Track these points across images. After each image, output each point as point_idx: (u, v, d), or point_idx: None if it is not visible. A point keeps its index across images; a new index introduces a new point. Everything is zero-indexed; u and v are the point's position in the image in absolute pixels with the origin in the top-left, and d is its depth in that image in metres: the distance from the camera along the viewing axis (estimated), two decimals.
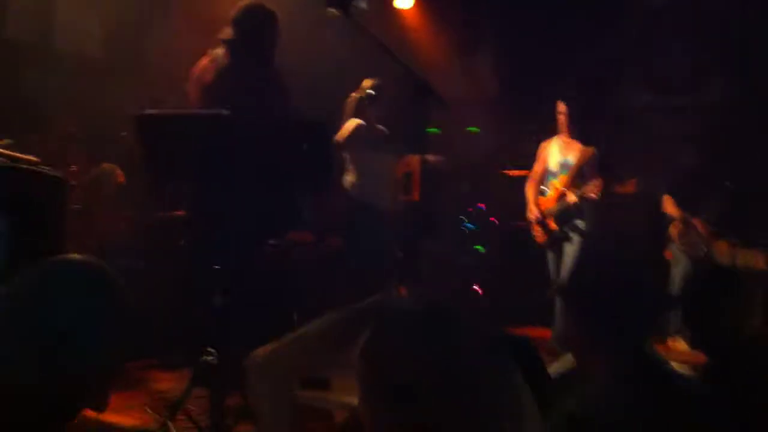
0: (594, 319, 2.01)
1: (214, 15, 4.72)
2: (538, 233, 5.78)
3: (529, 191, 5.87)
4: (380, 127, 5.47)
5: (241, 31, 4.13)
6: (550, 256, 5.79)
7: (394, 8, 7.73)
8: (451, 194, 7.12)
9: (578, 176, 5.67)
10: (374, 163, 5.32)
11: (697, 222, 6.29)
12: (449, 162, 6.56)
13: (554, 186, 5.75)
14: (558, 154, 5.81)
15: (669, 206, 6.47)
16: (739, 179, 6.21)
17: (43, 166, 3.70)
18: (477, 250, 7.21)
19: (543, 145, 5.94)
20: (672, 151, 6.97)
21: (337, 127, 5.35)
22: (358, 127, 5.31)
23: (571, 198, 5.60)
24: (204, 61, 4.22)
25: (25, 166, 3.05)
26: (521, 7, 7.90)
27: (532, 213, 5.79)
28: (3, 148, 3.46)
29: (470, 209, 7.26)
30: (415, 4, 7.80)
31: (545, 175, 5.84)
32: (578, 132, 5.79)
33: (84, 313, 1.43)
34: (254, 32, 4.16)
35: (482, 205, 7.18)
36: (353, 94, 5.44)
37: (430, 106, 3.82)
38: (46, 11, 6.14)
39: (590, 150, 5.72)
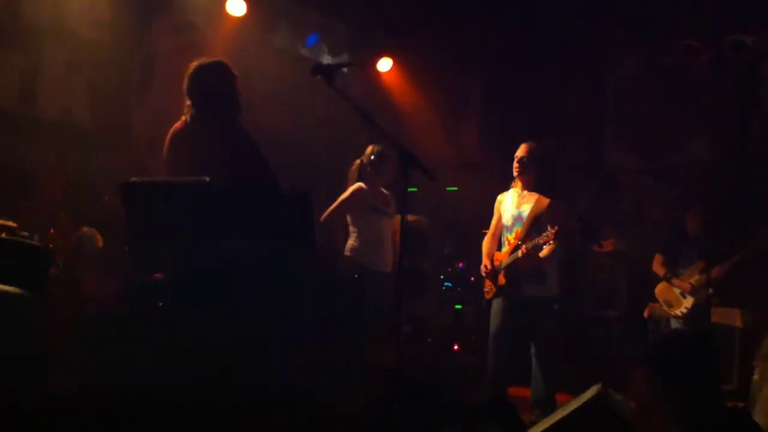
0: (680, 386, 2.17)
1: None
2: (487, 287, 5.47)
3: (485, 245, 5.57)
4: (384, 191, 5.68)
5: (195, 90, 4.14)
6: (494, 305, 5.39)
7: (376, 71, 7.90)
8: (433, 254, 7.19)
9: (534, 229, 5.28)
10: (374, 226, 5.52)
11: (678, 282, 6.41)
12: (428, 222, 6.66)
13: (508, 240, 5.42)
14: (512, 206, 5.48)
15: (656, 266, 6.59)
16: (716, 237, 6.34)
17: (21, 232, 3.73)
18: (456, 309, 7.24)
19: (498, 198, 5.63)
20: (661, 211, 7.12)
21: (340, 192, 5.57)
22: (358, 191, 5.51)
23: (521, 252, 5.19)
24: (177, 125, 4.25)
25: (5, 237, 3.07)
26: (503, 68, 8.10)
27: (483, 267, 5.47)
28: None
29: (449, 269, 7.31)
30: (393, 67, 7.98)
31: (501, 230, 5.54)
32: (533, 183, 5.40)
33: None
34: (209, 89, 4.15)
35: (461, 264, 7.24)
36: (357, 160, 5.65)
37: (416, 169, 3.92)
38: (30, 79, 6.21)
39: (546, 201, 5.30)
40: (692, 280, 6.34)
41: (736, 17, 6.83)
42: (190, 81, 4.25)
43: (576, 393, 3.64)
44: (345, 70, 5.09)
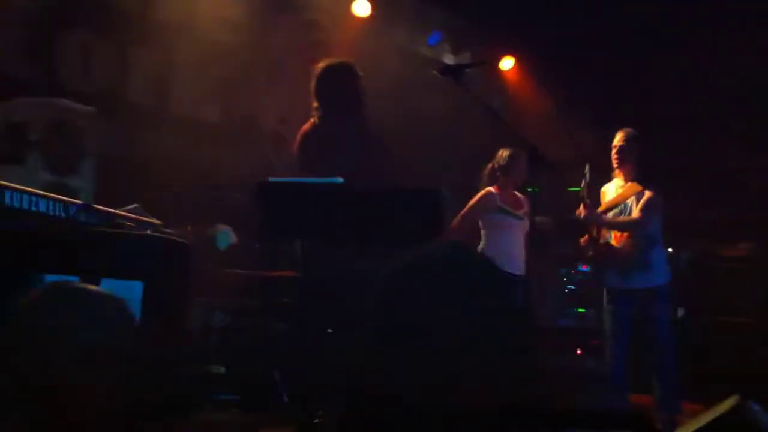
0: None
1: None
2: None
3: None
4: (517, 193, 5.68)
5: (322, 91, 4.31)
6: (606, 307, 5.19)
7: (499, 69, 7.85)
8: (555, 255, 7.09)
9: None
10: (504, 230, 5.54)
11: None
12: (555, 223, 6.56)
13: (614, 235, 5.21)
14: (611, 197, 5.31)
15: None
16: None
17: (164, 228, 3.90)
18: (579, 312, 7.12)
19: (602, 190, 5.43)
20: None
21: (464, 192, 5.69)
22: (486, 195, 5.58)
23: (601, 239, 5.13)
24: (306, 126, 4.41)
25: (159, 234, 3.21)
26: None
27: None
28: (132, 212, 3.67)
29: (573, 271, 7.19)
30: (515, 66, 7.91)
31: None
32: (633, 172, 5.19)
33: None
34: (336, 90, 4.32)
35: (585, 266, 7.10)
36: (489, 165, 5.70)
37: (540, 169, 3.90)
38: (164, 78, 6.48)
39: (637, 189, 5.12)
40: None
41: None
42: (318, 82, 4.39)
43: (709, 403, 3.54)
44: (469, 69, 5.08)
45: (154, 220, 3.85)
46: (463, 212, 5.59)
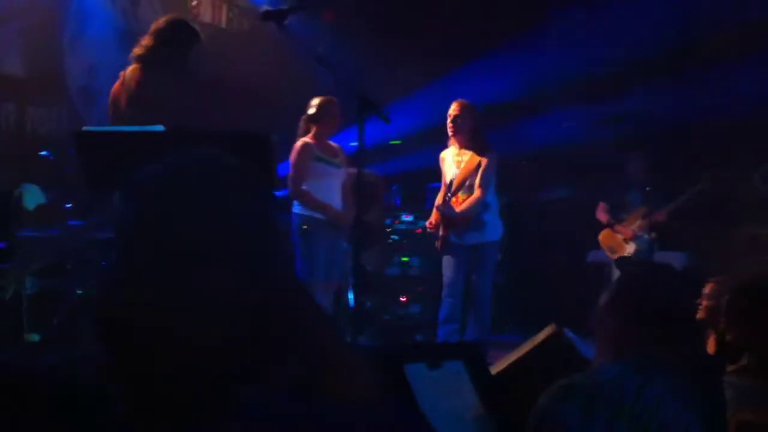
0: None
1: None
2: (438, 241, 5.76)
3: (437, 204, 5.80)
4: (331, 143, 5.61)
5: (161, 43, 4.26)
6: (445, 259, 5.74)
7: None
8: (381, 206, 7.19)
9: (467, 186, 5.62)
10: (324, 179, 5.47)
11: (621, 228, 6.58)
12: (377, 175, 6.68)
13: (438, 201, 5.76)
14: (452, 165, 5.72)
15: (600, 213, 6.72)
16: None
17: None
18: (403, 261, 7.29)
19: (441, 155, 5.84)
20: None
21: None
22: (303, 146, 5.45)
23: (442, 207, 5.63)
24: (118, 83, 4.33)
25: None
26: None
27: (428, 224, 5.83)
28: None
29: (395, 221, 7.34)
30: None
31: (447, 187, 5.73)
32: (468, 139, 5.63)
33: None
34: (174, 45, 4.30)
35: (408, 216, 7.26)
36: (303, 116, 5.56)
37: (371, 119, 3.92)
38: None
39: (477, 160, 5.58)
40: (634, 226, 6.52)
41: None
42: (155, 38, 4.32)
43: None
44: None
45: None
46: (291, 175, 5.44)
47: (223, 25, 7.77)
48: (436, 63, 7.99)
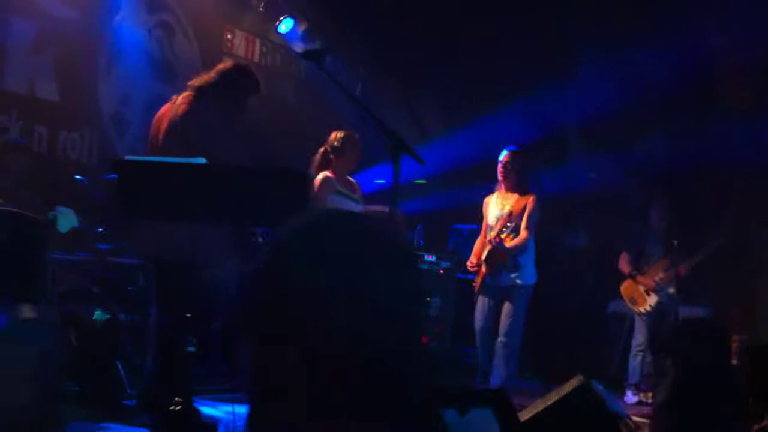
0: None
1: None
2: (476, 282, 5.92)
3: (476, 246, 6.03)
4: (350, 179, 5.55)
5: (223, 82, 4.32)
6: (478, 302, 5.87)
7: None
8: None
9: (512, 224, 5.73)
10: None
11: (642, 279, 6.56)
12: (400, 214, 6.70)
13: (490, 236, 5.85)
14: (495, 207, 5.92)
15: (622, 263, 6.72)
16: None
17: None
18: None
19: (485, 200, 6.07)
20: None
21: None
22: (325, 180, 5.35)
23: (491, 242, 5.72)
24: (167, 106, 4.34)
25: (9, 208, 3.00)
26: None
27: (469, 263, 5.97)
28: None
29: (419, 261, 7.35)
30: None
31: (488, 229, 5.94)
32: (515, 183, 5.86)
33: None
34: (236, 89, 4.36)
35: (430, 257, 7.28)
36: (320, 149, 5.49)
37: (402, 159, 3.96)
38: None
39: (524, 201, 5.78)
40: (657, 278, 6.50)
41: None
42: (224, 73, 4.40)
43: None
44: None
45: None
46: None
47: (256, 59, 7.86)
48: (461, 107, 8.09)
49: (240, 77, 4.40)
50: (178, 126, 4.08)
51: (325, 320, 1.04)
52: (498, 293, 5.80)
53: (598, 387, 3.62)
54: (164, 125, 4.20)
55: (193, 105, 4.15)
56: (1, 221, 3.04)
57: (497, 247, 5.67)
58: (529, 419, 3.43)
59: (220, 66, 4.45)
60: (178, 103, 4.20)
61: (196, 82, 4.29)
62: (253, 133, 6.26)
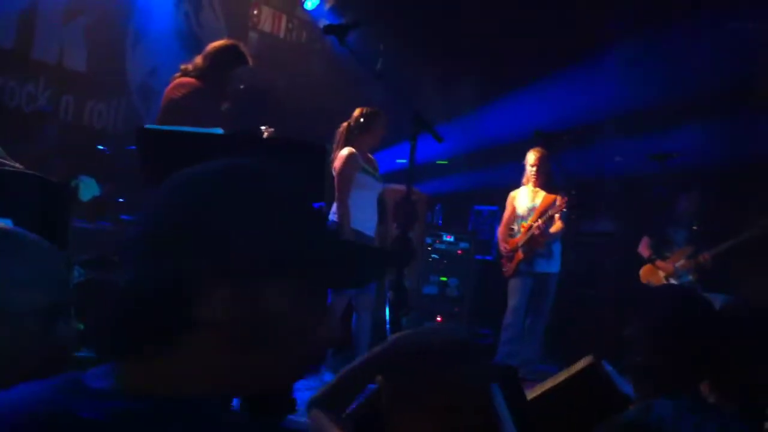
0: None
1: None
2: (506, 267, 6.33)
3: (501, 233, 6.52)
4: (369, 155, 5.54)
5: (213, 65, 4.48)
6: (512, 283, 6.28)
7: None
8: (421, 225, 7.24)
9: (545, 218, 6.22)
10: (365, 191, 5.38)
11: (662, 264, 6.51)
12: (420, 193, 6.74)
13: (523, 226, 6.33)
14: (526, 200, 6.38)
15: (642, 247, 6.68)
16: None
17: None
18: (441, 280, 7.31)
19: (511, 194, 6.49)
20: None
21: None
22: (351, 156, 5.32)
23: (536, 229, 6.18)
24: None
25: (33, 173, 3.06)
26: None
27: (504, 248, 6.38)
28: None
29: (438, 241, 7.37)
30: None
31: (515, 219, 6.40)
32: (544, 182, 6.35)
33: None
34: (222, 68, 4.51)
35: (449, 236, 7.29)
36: (344, 124, 5.46)
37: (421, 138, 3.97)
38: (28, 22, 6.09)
39: (553, 197, 6.27)
40: (678, 264, 6.45)
41: None
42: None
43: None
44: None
45: (17, 165, 3.63)
46: (337, 184, 5.29)
47: (282, 35, 7.89)
48: (488, 87, 8.03)
49: (225, 54, 4.56)
50: (160, 118, 4.29)
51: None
52: (531, 279, 6.22)
53: (608, 368, 3.62)
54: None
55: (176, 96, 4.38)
56: (30, 185, 3.09)
57: (541, 233, 6.15)
58: (537, 397, 3.44)
59: (209, 48, 4.58)
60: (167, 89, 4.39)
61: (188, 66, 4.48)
62: (278, 109, 6.33)
